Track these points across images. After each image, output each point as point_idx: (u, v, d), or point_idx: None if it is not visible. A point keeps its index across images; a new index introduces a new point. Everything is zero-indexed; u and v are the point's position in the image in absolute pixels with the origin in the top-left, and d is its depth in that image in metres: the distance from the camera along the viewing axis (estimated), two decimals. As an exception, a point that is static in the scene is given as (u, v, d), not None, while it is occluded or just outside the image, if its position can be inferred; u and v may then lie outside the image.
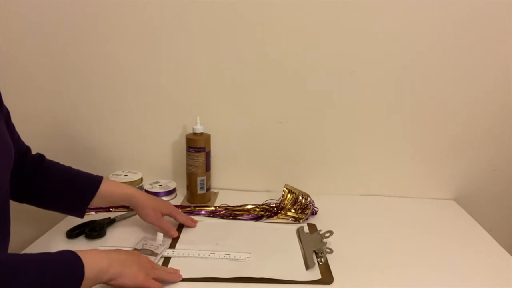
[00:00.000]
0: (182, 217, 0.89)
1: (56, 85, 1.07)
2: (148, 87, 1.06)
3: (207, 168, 1.03)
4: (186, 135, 1.02)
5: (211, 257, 0.78)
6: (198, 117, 1.01)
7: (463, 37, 0.99)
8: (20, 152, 0.77)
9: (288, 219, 0.96)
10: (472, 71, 1.01)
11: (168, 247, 0.81)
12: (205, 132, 1.03)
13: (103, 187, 0.80)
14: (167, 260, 0.77)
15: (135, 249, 0.78)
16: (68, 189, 0.79)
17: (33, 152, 0.82)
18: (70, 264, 0.56)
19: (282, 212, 0.98)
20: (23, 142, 0.80)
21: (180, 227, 0.90)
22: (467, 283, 0.74)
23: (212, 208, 1.00)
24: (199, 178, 1.02)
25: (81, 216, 0.81)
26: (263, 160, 1.11)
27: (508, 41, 0.98)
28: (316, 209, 0.99)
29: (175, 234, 0.85)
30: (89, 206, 0.80)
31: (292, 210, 0.98)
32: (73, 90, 1.07)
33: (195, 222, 0.91)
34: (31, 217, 1.06)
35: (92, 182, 0.80)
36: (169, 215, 0.88)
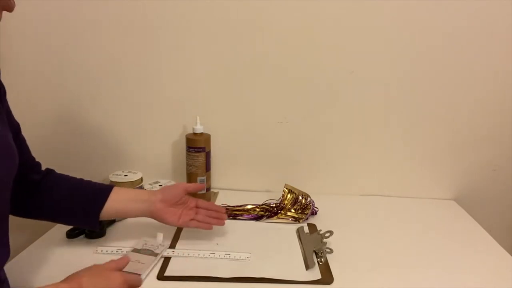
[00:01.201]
0: (191, 186, 0.85)
1: (56, 86, 1.07)
2: (148, 87, 1.07)
3: (207, 168, 1.03)
4: (186, 135, 1.02)
5: (211, 257, 0.78)
6: (198, 117, 1.01)
7: (463, 37, 0.99)
8: (30, 166, 0.75)
9: (288, 219, 0.96)
10: (472, 71, 1.01)
11: (168, 247, 0.81)
12: (205, 132, 1.03)
13: (114, 194, 0.77)
14: (167, 260, 0.77)
15: (135, 249, 0.78)
16: (78, 200, 0.76)
17: (36, 157, 0.79)
18: None
19: (282, 212, 0.98)
20: (34, 157, 0.77)
21: (180, 228, 0.89)
22: (467, 283, 0.74)
23: (212, 208, 1.00)
24: (199, 178, 1.02)
25: (95, 227, 0.78)
26: (263, 160, 1.11)
27: (508, 41, 0.98)
28: (316, 209, 0.99)
29: (202, 186, 0.89)
30: (101, 216, 0.76)
31: (292, 210, 0.98)
32: (73, 91, 1.07)
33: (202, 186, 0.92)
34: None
35: (103, 190, 0.77)
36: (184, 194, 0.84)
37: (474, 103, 1.04)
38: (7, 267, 0.73)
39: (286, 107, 1.07)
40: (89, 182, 0.80)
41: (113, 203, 0.76)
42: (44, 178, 0.76)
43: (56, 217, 0.77)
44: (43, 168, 0.79)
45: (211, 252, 0.80)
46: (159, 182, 1.09)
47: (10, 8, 0.59)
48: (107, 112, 1.09)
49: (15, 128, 0.72)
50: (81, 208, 0.76)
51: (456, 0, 0.96)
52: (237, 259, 0.78)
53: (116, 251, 0.79)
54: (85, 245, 0.82)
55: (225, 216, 0.85)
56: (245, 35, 1.01)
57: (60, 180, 0.78)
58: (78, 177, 0.81)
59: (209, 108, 1.07)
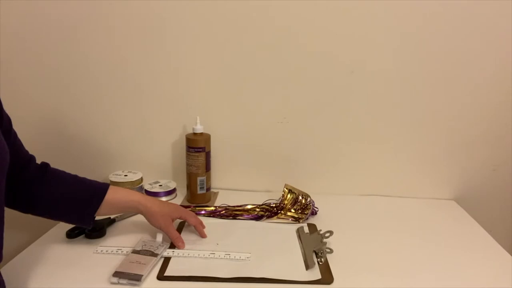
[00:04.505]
0: (194, 220, 0.87)
1: (56, 86, 1.07)
2: (148, 87, 1.06)
3: (207, 168, 1.03)
4: (186, 135, 1.02)
5: (211, 257, 0.78)
6: (198, 117, 1.01)
7: (462, 37, 0.99)
8: (24, 160, 0.75)
9: (288, 219, 0.96)
10: (472, 71, 1.01)
11: (168, 247, 0.81)
12: (205, 132, 1.03)
13: (110, 195, 0.78)
14: (167, 260, 0.77)
15: (134, 250, 0.78)
16: (74, 198, 0.76)
17: (36, 156, 0.79)
18: None
19: (282, 212, 0.98)
20: (27, 151, 0.78)
21: (180, 228, 0.90)
22: (467, 283, 0.74)
23: (212, 208, 1.00)
24: (199, 178, 1.02)
25: (88, 226, 0.79)
26: (263, 160, 1.11)
27: (508, 41, 0.98)
28: (316, 209, 0.99)
29: (183, 246, 0.82)
30: (96, 214, 0.77)
31: (292, 210, 0.98)
32: (73, 90, 1.07)
33: (204, 227, 0.88)
34: (32, 216, 1.06)
35: (98, 190, 0.78)
36: (180, 218, 0.87)
37: (474, 102, 1.04)
38: (7, 267, 0.74)
39: (286, 107, 1.06)
40: (83, 180, 0.80)
41: (107, 208, 0.78)
42: (39, 174, 0.76)
43: (50, 215, 0.78)
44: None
45: (211, 252, 0.80)
46: (159, 182, 1.09)
47: None
48: (107, 112, 1.09)
49: (6, 122, 0.71)
50: (76, 209, 0.76)
51: (456, 0, 0.96)
52: (237, 259, 0.78)
53: (116, 251, 0.79)
54: (85, 245, 0.82)
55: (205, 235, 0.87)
56: (245, 35, 1.01)
57: (55, 177, 0.78)
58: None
59: (209, 108, 1.07)
